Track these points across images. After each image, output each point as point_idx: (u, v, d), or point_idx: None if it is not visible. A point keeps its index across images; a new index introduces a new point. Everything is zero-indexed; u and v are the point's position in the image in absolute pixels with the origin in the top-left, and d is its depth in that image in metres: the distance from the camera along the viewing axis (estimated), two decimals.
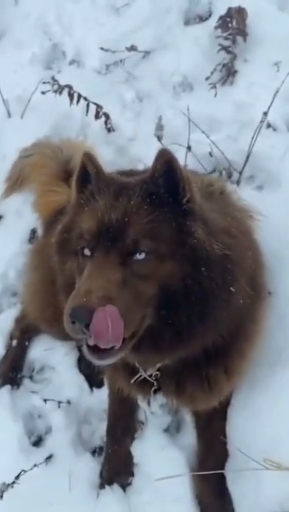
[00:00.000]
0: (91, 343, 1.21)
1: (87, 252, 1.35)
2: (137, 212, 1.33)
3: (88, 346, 1.25)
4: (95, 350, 1.24)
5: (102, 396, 2.19)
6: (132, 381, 1.61)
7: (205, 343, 1.45)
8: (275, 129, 2.50)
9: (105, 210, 1.35)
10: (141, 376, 1.60)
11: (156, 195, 1.36)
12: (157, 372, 1.59)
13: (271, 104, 2.32)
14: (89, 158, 1.48)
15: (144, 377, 1.60)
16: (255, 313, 1.61)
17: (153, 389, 1.63)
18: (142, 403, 1.78)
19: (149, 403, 1.72)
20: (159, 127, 1.86)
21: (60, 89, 2.52)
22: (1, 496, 1.73)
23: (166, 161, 1.36)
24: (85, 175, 1.49)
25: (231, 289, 1.38)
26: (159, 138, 1.87)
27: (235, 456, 1.77)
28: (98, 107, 2.67)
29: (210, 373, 1.58)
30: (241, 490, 1.76)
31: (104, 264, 1.28)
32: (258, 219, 1.83)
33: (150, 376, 1.59)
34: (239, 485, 1.77)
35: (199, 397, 1.63)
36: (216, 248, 1.34)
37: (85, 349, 1.27)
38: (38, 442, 2.20)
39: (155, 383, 1.61)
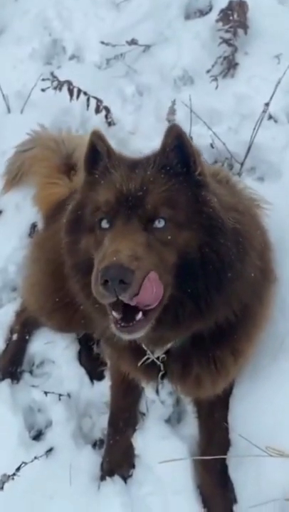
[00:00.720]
0: (130, 302, 1.23)
1: (104, 224, 1.38)
2: (154, 181, 1.37)
3: (116, 323, 1.28)
4: (123, 326, 1.27)
5: (102, 389, 2.19)
6: (140, 364, 1.62)
7: (219, 318, 1.46)
8: (276, 121, 2.50)
9: (123, 182, 1.39)
10: (148, 359, 1.61)
11: (169, 166, 1.40)
12: (164, 356, 1.60)
13: (273, 94, 2.31)
14: (99, 137, 1.51)
15: (150, 362, 1.61)
16: (264, 296, 1.62)
17: (160, 374, 1.63)
18: (149, 390, 1.75)
19: (157, 391, 1.70)
20: (172, 111, 1.86)
21: (59, 86, 2.51)
22: (2, 487, 1.71)
23: (176, 135, 1.41)
24: (95, 154, 1.50)
25: (245, 259, 1.42)
26: (170, 122, 1.86)
27: (238, 444, 1.75)
28: (98, 101, 2.67)
29: (217, 355, 1.59)
30: (243, 478, 1.75)
31: (127, 229, 1.32)
32: (265, 207, 1.82)
33: (157, 359, 1.60)
34: (241, 473, 1.77)
35: (205, 381, 1.62)
36: (227, 221, 1.38)
37: (112, 327, 1.30)
38: (38, 436, 2.19)
39: (162, 367, 1.61)
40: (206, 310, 1.39)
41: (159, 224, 1.34)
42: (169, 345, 1.56)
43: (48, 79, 2.57)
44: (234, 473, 1.80)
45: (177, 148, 1.41)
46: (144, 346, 1.58)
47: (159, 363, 1.60)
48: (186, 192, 1.38)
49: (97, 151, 1.50)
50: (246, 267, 1.44)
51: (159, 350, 1.59)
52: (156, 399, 1.98)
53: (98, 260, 1.28)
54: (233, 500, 1.79)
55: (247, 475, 1.74)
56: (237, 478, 1.79)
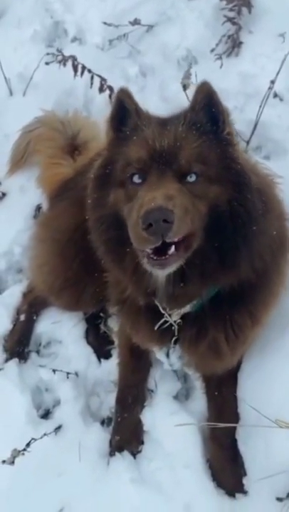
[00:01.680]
0: (174, 239, 1.28)
1: (136, 179, 1.42)
2: (186, 138, 1.41)
3: (149, 257, 1.32)
4: (156, 259, 1.31)
5: (110, 367, 2.19)
6: (156, 327, 1.63)
7: (241, 274, 1.49)
8: (281, 99, 2.49)
9: (155, 138, 1.41)
10: (165, 323, 1.62)
11: (200, 124, 1.44)
12: (180, 320, 1.62)
13: (279, 72, 2.29)
14: (127, 95, 1.52)
15: (164, 329, 1.63)
16: (281, 262, 1.65)
17: (174, 339, 1.64)
18: (159, 354, 1.75)
19: (168, 354, 1.71)
20: (187, 75, 1.84)
21: (64, 61, 2.49)
22: (13, 462, 1.72)
23: (206, 94, 1.44)
24: (122, 111, 1.51)
25: (267, 217, 1.47)
26: (186, 87, 1.85)
27: (247, 418, 1.76)
28: (102, 79, 2.65)
29: (234, 318, 1.61)
30: (252, 451, 1.76)
31: (162, 182, 1.35)
32: (279, 182, 1.81)
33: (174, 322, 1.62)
34: (250, 446, 1.78)
35: (223, 346, 1.64)
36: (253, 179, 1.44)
37: (145, 262, 1.35)
38: (46, 415, 2.20)
39: (176, 331, 1.63)
40: (232, 263, 1.43)
41: (191, 178, 1.38)
42: (188, 307, 1.57)
43: (53, 53, 2.54)
44: (243, 447, 1.81)
45: (207, 106, 1.44)
46: (161, 309, 1.59)
47: (175, 325, 1.62)
48: (215, 149, 1.42)
49: (125, 109, 1.51)
50: (269, 224, 1.49)
51: (176, 315, 1.60)
52: (167, 375, 1.99)
53: (137, 208, 1.32)
54: (243, 473, 1.81)
55: (256, 448, 1.75)
56: (246, 451, 1.80)
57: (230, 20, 2.70)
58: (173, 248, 1.31)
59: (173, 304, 1.55)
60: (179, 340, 1.66)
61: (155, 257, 1.31)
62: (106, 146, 1.57)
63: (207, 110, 1.44)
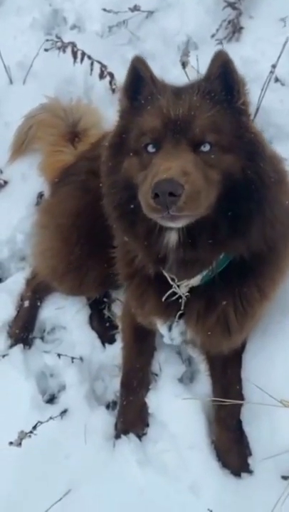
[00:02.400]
0: (178, 214, 1.31)
1: (151, 148, 1.42)
2: (200, 107, 1.41)
3: (162, 217, 1.34)
4: (167, 214, 1.32)
5: (114, 352, 2.21)
6: (164, 297, 1.65)
7: (253, 244, 1.51)
8: (283, 84, 2.48)
9: (170, 107, 1.41)
10: (173, 296, 1.64)
11: (214, 93, 1.44)
12: (188, 294, 1.63)
13: (280, 56, 2.29)
14: (142, 63, 1.52)
15: (172, 301, 1.64)
16: None
17: (179, 313, 1.66)
18: (161, 329, 1.77)
19: (170, 328, 1.72)
20: (186, 53, 1.83)
21: (63, 47, 2.48)
22: (20, 444, 1.74)
23: (222, 63, 1.44)
24: (136, 80, 1.52)
25: (281, 186, 1.51)
26: (184, 64, 1.84)
27: (251, 398, 1.78)
28: (102, 65, 2.64)
29: (243, 291, 1.63)
30: (257, 431, 1.78)
31: (177, 151, 1.36)
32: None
33: (180, 298, 1.63)
34: (255, 426, 1.79)
35: (232, 320, 1.65)
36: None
37: (157, 217, 1.36)
38: (51, 400, 2.21)
39: (182, 305, 1.64)
40: (244, 229, 1.45)
41: (205, 148, 1.39)
42: (197, 279, 1.58)
43: (52, 40, 2.54)
44: (248, 427, 1.83)
45: (222, 75, 1.44)
46: (169, 280, 1.61)
47: (183, 296, 1.63)
48: (229, 118, 1.43)
49: (140, 77, 1.51)
50: (281, 193, 1.51)
51: (184, 287, 1.61)
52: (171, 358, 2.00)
53: (149, 178, 1.34)
54: (248, 453, 1.83)
55: (261, 428, 1.77)
56: (251, 431, 1.82)
57: (230, 5, 2.69)
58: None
59: (183, 272, 1.55)
60: (184, 315, 1.68)
61: (167, 212, 1.32)
62: (120, 114, 1.57)
63: (222, 79, 1.45)
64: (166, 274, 1.60)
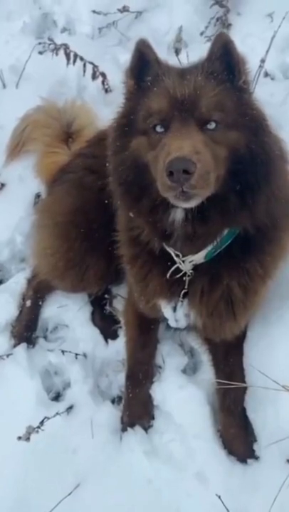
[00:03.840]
0: (192, 191, 1.36)
1: (159, 128, 1.47)
2: (205, 86, 1.46)
3: (176, 196, 1.39)
4: (181, 193, 1.38)
5: (117, 348, 2.24)
6: (169, 274, 1.69)
7: (258, 217, 1.56)
8: (272, 78, 2.54)
9: (176, 87, 1.46)
10: (177, 273, 1.68)
11: (217, 73, 1.50)
12: (192, 271, 1.67)
13: (268, 50, 2.34)
14: (146, 46, 1.56)
15: (176, 280, 1.69)
16: None
17: (183, 292, 1.69)
18: (166, 311, 1.80)
19: (175, 308, 1.75)
20: (179, 39, 1.86)
21: (56, 49, 2.52)
22: (28, 438, 1.76)
23: (223, 44, 1.50)
24: (142, 62, 1.56)
25: (286, 159, 1.57)
26: (177, 51, 1.88)
27: (255, 385, 1.81)
28: (94, 66, 2.68)
29: (246, 267, 1.67)
30: (262, 417, 1.81)
31: (186, 130, 1.41)
32: None
33: (184, 275, 1.69)
34: (259, 413, 1.82)
35: (237, 296, 1.69)
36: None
37: (170, 197, 1.42)
38: (56, 398, 2.23)
39: (186, 284, 1.69)
40: (251, 201, 1.50)
41: (211, 126, 1.44)
42: (201, 255, 1.63)
43: (45, 42, 2.57)
44: (253, 414, 1.86)
45: (223, 56, 1.50)
46: (174, 257, 1.65)
47: (188, 272, 1.67)
48: (232, 97, 1.48)
49: (144, 60, 1.56)
50: (285, 170, 1.57)
51: (188, 263, 1.65)
52: (173, 347, 2.03)
53: (162, 157, 1.38)
54: (253, 439, 1.86)
55: (265, 414, 1.80)
56: (256, 418, 1.85)
57: (218, 3, 2.74)
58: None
59: (188, 247, 1.59)
60: (188, 295, 1.71)
61: (180, 192, 1.37)
62: (126, 96, 1.62)
63: (224, 60, 1.50)
64: (170, 251, 1.65)
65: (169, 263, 1.68)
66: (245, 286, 1.69)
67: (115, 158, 1.59)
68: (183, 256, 1.65)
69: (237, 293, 1.69)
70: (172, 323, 1.81)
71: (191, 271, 1.68)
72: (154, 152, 1.46)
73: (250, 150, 1.46)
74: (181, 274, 1.69)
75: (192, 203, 1.43)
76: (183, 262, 1.66)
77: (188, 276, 1.69)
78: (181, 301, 1.73)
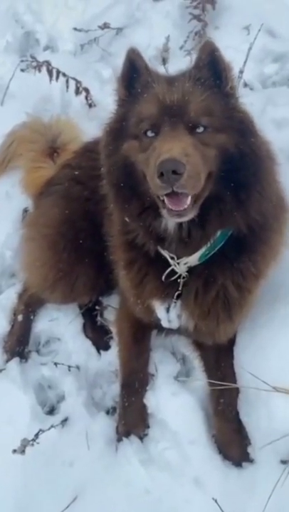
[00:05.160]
0: (182, 190, 1.42)
1: (150, 133, 1.54)
2: (193, 92, 1.53)
3: (168, 210, 1.47)
4: (174, 210, 1.46)
5: (110, 359, 2.25)
6: (164, 276, 1.73)
7: (251, 215, 1.61)
8: (251, 88, 2.60)
9: (165, 94, 1.53)
10: (173, 275, 1.72)
11: (204, 79, 1.57)
12: (187, 274, 1.71)
13: (246, 60, 2.41)
14: (137, 54, 1.63)
15: (171, 282, 1.73)
16: (281, 219, 1.77)
17: (176, 293, 1.73)
18: (159, 311, 1.82)
19: (168, 309, 1.78)
20: (166, 49, 1.92)
21: (38, 66, 2.56)
22: (23, 451, 1.76)
23: (210, 51, 1.57)
24: (132, 70, 1.63)
25: (274, 159, 1.65)
26: (165, 60, 1.95)
27: (246, 390, 1.83)
28: (77, 82, 2.73)
29: (239, 267, 1.72)
30: (255, 421, 1.83)
31: (175, 134, 1.48)
32: None
33: (179, 277, 1.73)
34: (252, 417, 1.84)
35: (232, 292, 1.73)
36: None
37: (165, 213, 1.51)
38: (51, 411, 2.23)
39: (181, 286, 1.73)
40: (245, 199, 1.56)
41: (199, 130, 1.51)
42: (196, 256, 1.67)
43: (27, 60, 2.62)
44: (246, 417, 1.88)
45: (210, 63, 1.57)
46: (169, 259, 1.69)
47: (183, 274, 1.71)
48: (219, 101, 1.55)
49: (135, 68, 1.62)
50: (274, 166, 1.65)
51: (183, 265, 1.70)
52: (165, 355, 2.05)
53: (153, 159, 1.45)
54: (248, 443, 1.87)
55: (258, 417, 1.82)
56: (249, 421, 1.87)
57: (195, 17, 2.82)
58: (189, 200, 1.46)
59: (183, 248, 1.64)
60: (181, 296, 1.75)
61: (174, 209, 1.45)
62: (118, 103, 1.68)
63: (211, 67, 1.57)
64: (165, 253, 1.69)
65: (164, 265, 1.72)
66: (239, 286, 1.73)
67: (108, 161, 1.64)
68: (178, 258, 1.69)
69: (232, 292, 1.73)
70: (165, 324, 1.84)
71: (186, 273, 1.72)
72: (145, 155, 1.52)
73: (239, 150, 1.52)
74: (176, 276, 1.73)
75: (185, 219, 1.50)
76: (178, 264, 1.70)
77: (183, 278, 1.72)
78: (175, 302, 1.76)
